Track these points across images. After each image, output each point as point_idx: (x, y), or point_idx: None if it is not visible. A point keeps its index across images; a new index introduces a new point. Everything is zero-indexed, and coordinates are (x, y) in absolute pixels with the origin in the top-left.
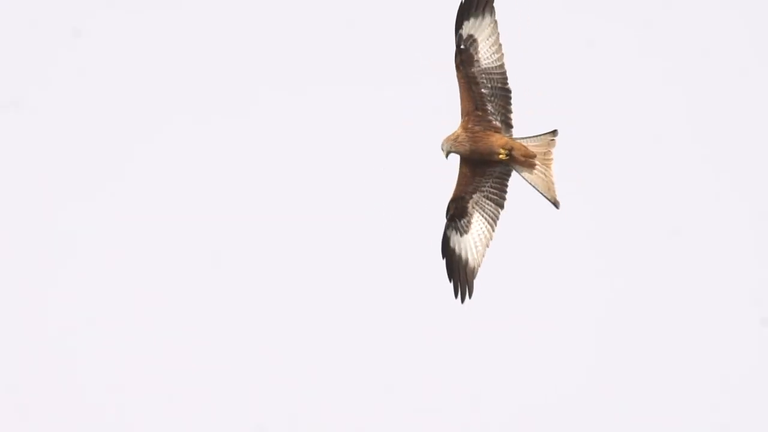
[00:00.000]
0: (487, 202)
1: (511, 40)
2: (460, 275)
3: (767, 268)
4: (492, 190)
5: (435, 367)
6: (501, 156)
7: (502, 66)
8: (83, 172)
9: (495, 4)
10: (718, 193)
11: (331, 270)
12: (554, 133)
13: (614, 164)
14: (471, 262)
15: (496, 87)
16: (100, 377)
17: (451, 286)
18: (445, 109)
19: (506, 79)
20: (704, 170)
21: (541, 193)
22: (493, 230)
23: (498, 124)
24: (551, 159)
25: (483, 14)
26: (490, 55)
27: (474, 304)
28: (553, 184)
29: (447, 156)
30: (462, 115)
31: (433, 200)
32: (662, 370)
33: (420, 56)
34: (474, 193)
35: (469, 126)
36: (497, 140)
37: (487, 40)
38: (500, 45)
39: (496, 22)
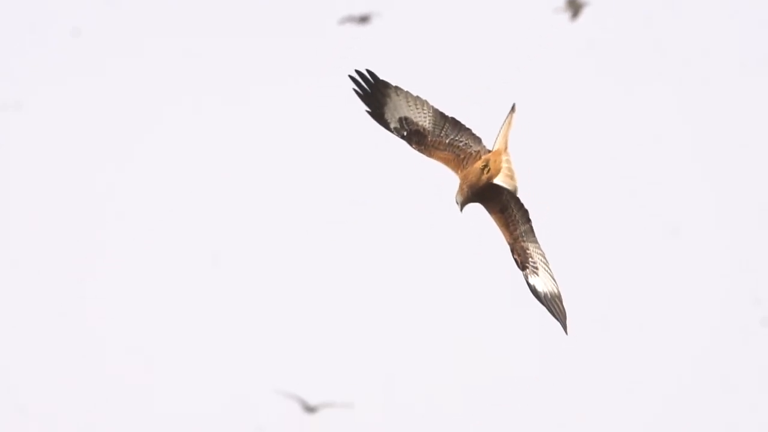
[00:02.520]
0: (525, 227)
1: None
2: (559, 309)
3: (767, 268)
4: (519, 213)
5: (434, 367)
6: (485, 173)
7: (432, 110)
8: (81, 171)
9: (381, 76)
10: (718, 193)
11: (335, 267)
12: (513, 109)
13: (614, 164)
14: (557, 290)
15: (448, 127)
16: (101, 376)
17: (558, 325)
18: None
19: (442, 112)
20: (704, 170)
21: (508, 189)
22: (540, 246)
23: (477, 148)
24: (509, 137)
25: (387, 94)
26: (423, 114)
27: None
28: (514, 171)
29: (462, 209)
30: (456, 173)
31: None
32: (662, 369)
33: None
34: (515, 230)
35: (463, 173)
36: (476, 165)
37: (409, 106)
38: (416, 97)
39: (396, 87)
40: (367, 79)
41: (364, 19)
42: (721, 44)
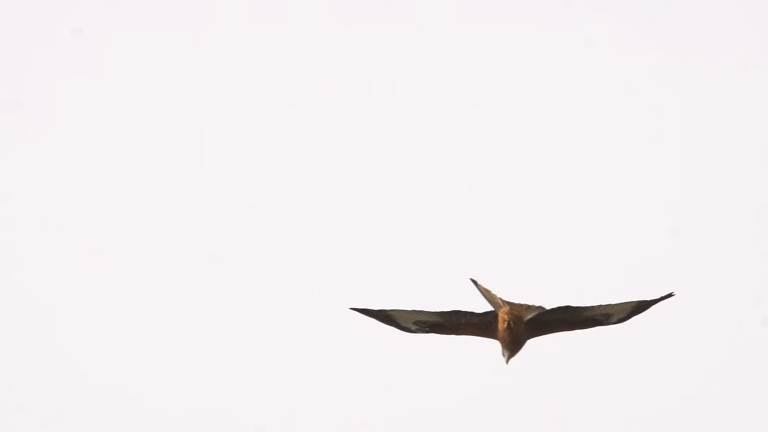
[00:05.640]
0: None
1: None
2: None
3: (767, 268)
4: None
5: (434, 368)
6: (513, 327)
7: (432, 312)
8: (80, 172)
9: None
10: (719, 192)
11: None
12: (475, 283)
13: (611, 162)
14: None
15: (454, 316)
16: (93, 373)
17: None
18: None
19: (441, 311)
20: (704, 169)
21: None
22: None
23: (489, 316)
24: (495, 297)
25: (388, 315)
26: (427, 316)
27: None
28: (522, 307)
29: (508, 361)
30: (490, 337)
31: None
32: (661, 370)
33: None
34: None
35: (497, 337)
36: (500, 330)
37: (411, 315)
38: (411, 310)
39: (391, 310)
40: (369, 312)
41: None
42: (722, 44)
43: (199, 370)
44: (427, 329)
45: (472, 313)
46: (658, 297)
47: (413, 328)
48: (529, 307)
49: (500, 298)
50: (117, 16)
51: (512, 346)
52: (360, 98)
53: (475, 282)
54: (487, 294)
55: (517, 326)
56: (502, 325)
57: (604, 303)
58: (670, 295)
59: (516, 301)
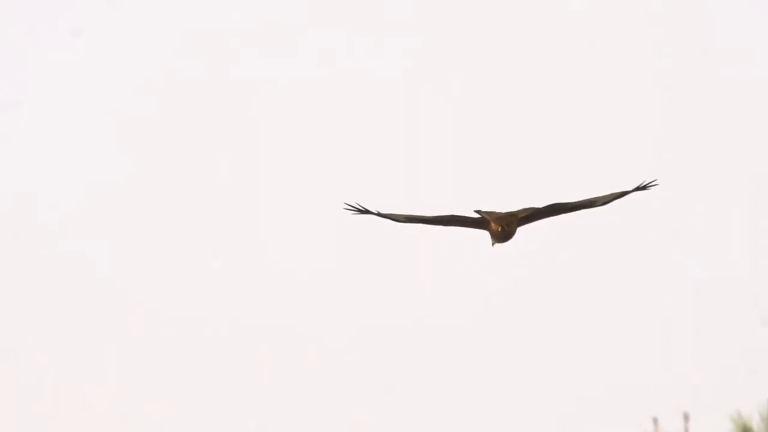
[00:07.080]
0: None
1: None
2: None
3: (767, 268)
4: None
5: (436, 368)
6: (505, 228)
7: (426, 216)
8: (80, 173)
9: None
10: (719, 192)
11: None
12: (478, 212)
13: (610, 160)
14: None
15: (447, 218)
16: (92, 377)
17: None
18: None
19: (438, 216)
20: (705, 169)
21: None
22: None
23: (480, 217)
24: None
25: (385, 216)
26: (421, 217)
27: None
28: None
29: (493, 245)
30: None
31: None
32: (661, 370)
33: None
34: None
35: (489, 230)
36: (494, 229)
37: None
38: (409, 215)
39: (389, 214)
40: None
41: None
42: (723, 44)
43: (199, 368)
44: (418, 221)
45: (465, 216)
46: (636, 186)
47: (403, 219)
48: (521, 215)
49: (498, 213)
50: (117, 16)
51: (502, 241)
52: (357, 100)
53: (479, 212)
54: (488, 215)
55: (510, 227)
56: (495, 228)
57: (588, 197)
58: (651, 184)
59: (512, 210)
